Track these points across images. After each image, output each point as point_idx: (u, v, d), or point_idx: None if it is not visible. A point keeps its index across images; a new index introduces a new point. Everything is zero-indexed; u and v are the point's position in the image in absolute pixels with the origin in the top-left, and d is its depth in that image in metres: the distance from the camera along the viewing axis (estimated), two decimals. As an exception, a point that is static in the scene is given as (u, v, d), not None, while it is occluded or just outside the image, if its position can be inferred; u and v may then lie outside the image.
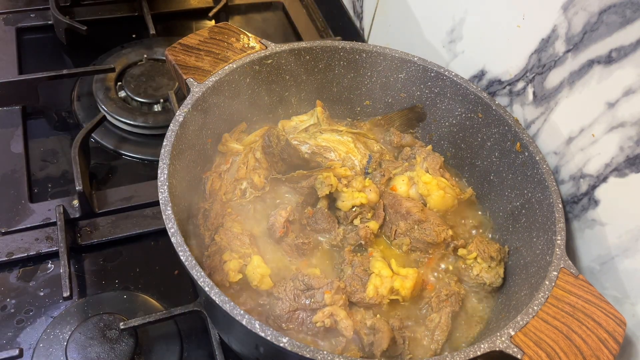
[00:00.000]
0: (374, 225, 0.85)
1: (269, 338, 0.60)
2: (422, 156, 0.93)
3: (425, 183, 0.89)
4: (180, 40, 0.90)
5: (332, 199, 0.88)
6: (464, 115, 0.94)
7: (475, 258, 0.84)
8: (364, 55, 0.97)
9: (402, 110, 1.01)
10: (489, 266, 0.83)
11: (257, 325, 0.60)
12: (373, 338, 0.73)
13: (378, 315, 0.77)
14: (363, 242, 0.84)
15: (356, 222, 0.86)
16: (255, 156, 0.89)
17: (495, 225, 0.91)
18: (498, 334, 0.64)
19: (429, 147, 0.97)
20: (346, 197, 0.86)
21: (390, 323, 0.76)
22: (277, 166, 0.89)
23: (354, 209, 0.86)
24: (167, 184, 0.72)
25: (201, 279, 0.64)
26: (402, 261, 0.84)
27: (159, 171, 0.73)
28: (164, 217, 0.68)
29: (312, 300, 0.74)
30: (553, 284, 0.69)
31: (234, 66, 0.88)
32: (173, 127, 0.78)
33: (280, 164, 0.89)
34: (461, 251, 0.85)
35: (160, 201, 0.70)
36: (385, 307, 0.78)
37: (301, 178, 0.87)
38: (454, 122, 0.96)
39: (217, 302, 0.62)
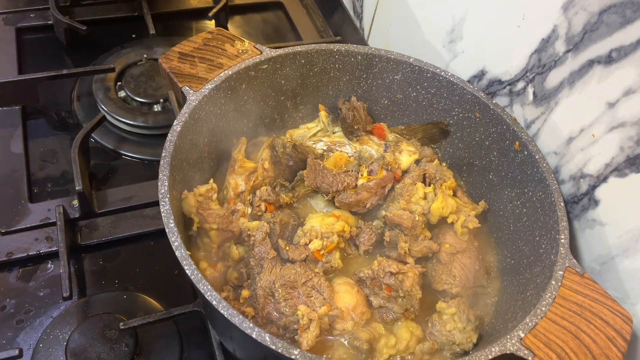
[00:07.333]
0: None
1: (273, 347, 0.60)
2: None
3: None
4: (173, 48, 0.89)
5: None
6: (461, 115, 0.94)
7: (453, 315, 0.78)
8: (359, 57, 0.96)
9: (427, 124, 1.00)
10: (464, 327, 0.77)
11: (267, 337, 0.60)
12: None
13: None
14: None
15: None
16: (264, 167, 0.90)
17: (495, 225, 0.91)
18: (508, 336, 0.64)
19: (436, 162, 0.95)
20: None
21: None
22: (284, 174, 0.92)
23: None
24: (168, 196, 0.71)
25: (200, 283, 0.64)
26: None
27: (159, 183, 0.72)
28: (167, 230, 0.68)
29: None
30: (559, 283, 0.69)
31: (230, 73, 0.87)
32: (171, 138, 0.77)
33: (287, 171, 0.92)
34: (440, 305, 0.80)
35: (163, 214, 0.69)
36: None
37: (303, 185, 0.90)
38: (452, 122, 0.96)
39: (217, 307, 0.62)
